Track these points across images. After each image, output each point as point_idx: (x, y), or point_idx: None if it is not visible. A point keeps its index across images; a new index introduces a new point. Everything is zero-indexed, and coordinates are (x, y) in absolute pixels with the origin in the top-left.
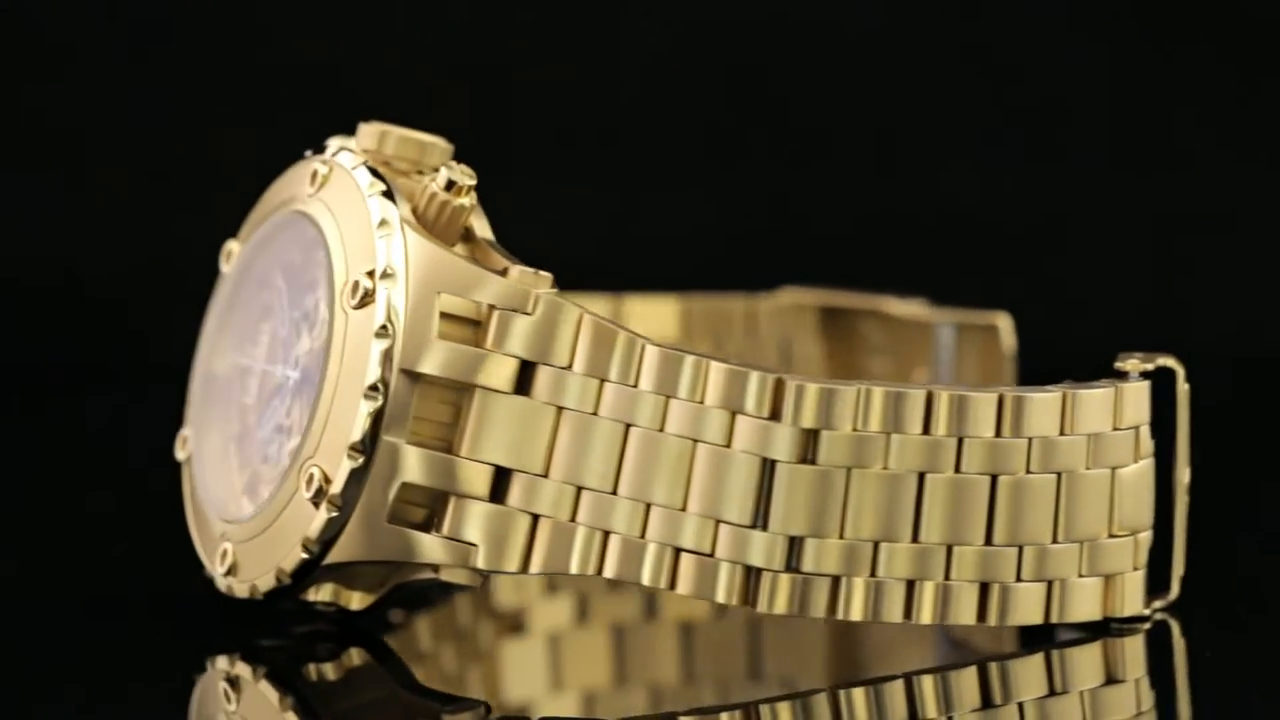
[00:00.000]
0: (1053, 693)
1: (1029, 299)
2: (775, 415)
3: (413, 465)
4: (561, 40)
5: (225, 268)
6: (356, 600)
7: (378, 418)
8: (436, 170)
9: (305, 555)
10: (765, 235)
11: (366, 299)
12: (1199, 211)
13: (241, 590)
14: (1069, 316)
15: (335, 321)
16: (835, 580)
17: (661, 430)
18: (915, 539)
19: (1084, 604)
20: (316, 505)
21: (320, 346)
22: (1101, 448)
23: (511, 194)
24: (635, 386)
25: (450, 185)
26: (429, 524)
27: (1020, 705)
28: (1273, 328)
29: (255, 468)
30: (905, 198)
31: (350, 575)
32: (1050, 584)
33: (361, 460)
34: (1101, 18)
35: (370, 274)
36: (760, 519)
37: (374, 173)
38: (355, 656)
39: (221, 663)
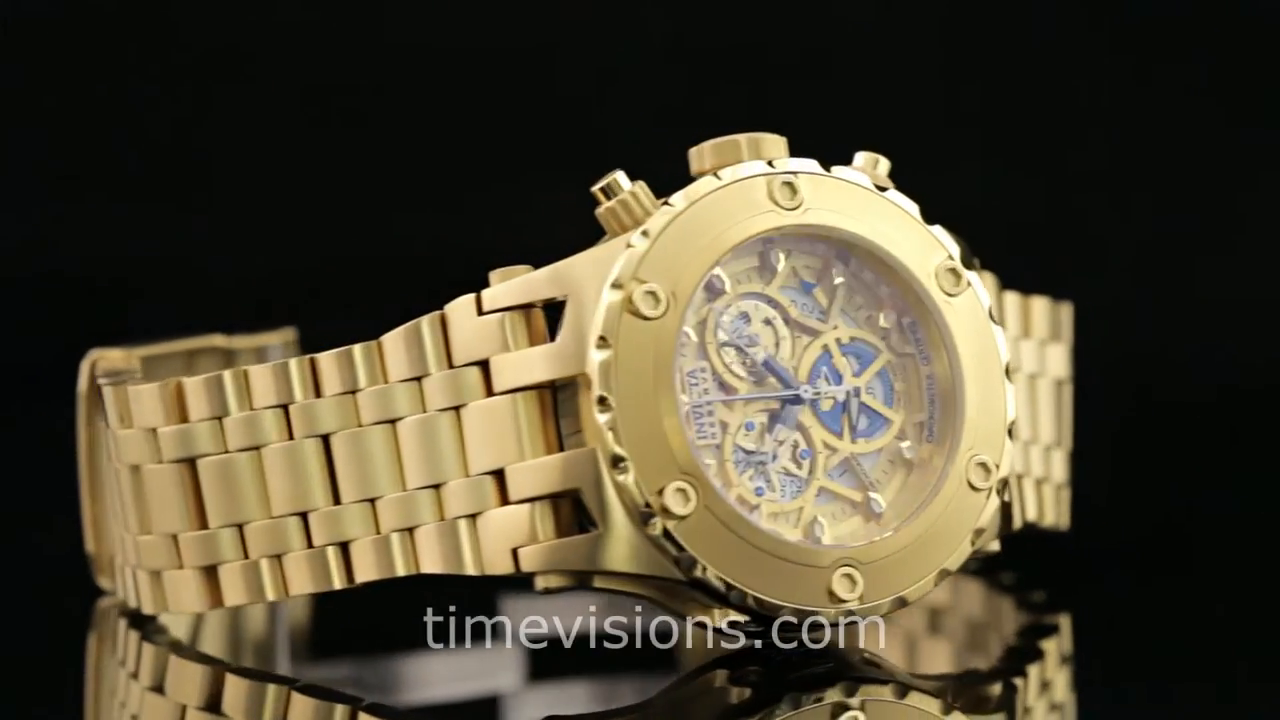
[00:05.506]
0: None
1: None
2: None
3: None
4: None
5: (653, 310)
6: None
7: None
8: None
9: (973, 548)
10: None
11: (959, 284)
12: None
13: (872, 609)
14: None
15: (942, 313)
16: None
17: None
18: None
19: None
20: (985, 494)
21: (910, 345)
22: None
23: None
24: None
25: (890, 172)
26: None
27: None
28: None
29: (759, 503)
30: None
31: None
32: None
33: (1016, 440)
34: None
35: (950, 259)
36: None
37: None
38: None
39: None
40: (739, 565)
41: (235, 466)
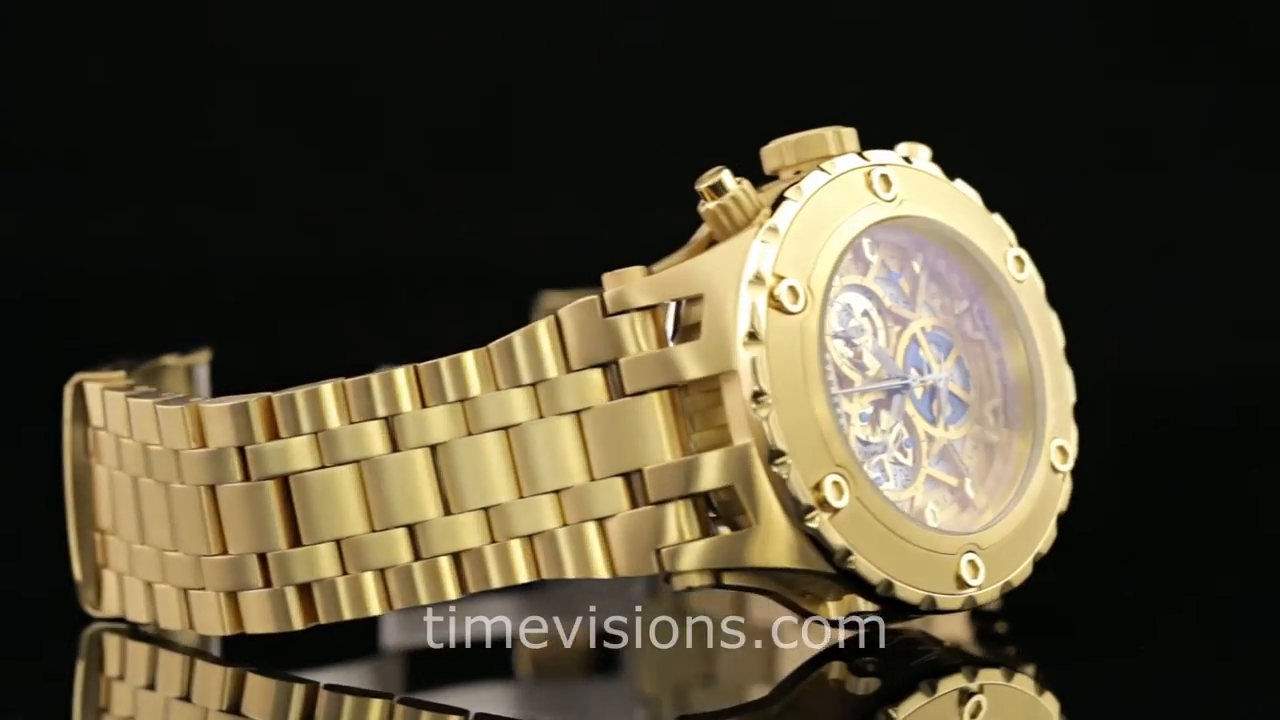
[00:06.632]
0: None
1: None
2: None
3: None
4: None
5: (795, 305)
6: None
7: None
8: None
9: (1055, 532)
10: None
11: (1024, 270)
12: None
13: (989, 595)
14: None
15: (1018, 297)
16: None
17: None
18: None
19: None
20: (1062, 477)
21: (980, 332)
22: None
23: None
24: None
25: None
26: None
27: None
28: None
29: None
30: None
31: None
32: None
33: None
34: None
35: (1012, 245)
36: None
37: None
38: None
39: (946, 685)
40: (885, 554)
41: (334, 481)
